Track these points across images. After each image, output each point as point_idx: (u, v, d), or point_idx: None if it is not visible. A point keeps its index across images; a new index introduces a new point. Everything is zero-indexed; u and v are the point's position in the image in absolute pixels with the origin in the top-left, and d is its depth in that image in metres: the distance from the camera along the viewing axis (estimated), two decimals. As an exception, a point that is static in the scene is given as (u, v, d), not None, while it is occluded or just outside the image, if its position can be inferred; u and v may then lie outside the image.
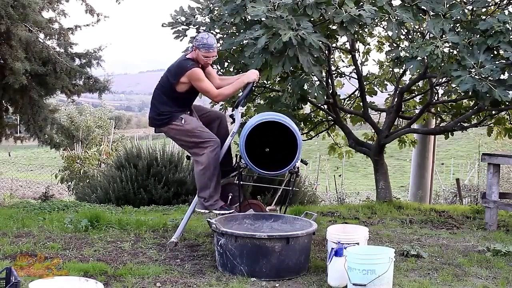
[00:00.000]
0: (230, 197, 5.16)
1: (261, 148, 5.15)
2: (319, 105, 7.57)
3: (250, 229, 4.68)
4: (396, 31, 6.00)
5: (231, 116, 5.14)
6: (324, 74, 6.96)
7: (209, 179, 4.82)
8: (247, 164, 4.84)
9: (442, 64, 5.95)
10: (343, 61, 8.45)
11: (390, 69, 8.37)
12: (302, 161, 5.11)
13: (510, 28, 5.72)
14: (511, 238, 5.72)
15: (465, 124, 7.42)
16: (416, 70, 6.25)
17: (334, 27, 6.20)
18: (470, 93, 5.87)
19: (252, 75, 4.99)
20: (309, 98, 6.50)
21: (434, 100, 7.82)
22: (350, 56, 7.80)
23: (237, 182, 5.10)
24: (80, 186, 10.90)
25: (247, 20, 6.12)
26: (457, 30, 6.14)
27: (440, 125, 8.26)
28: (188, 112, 4.96)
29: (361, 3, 5.79)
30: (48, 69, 9.54)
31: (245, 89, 5.00)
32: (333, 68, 7.82)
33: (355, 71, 7.79)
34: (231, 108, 5.50)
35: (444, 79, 7.34)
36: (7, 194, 13.50)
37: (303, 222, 4.63)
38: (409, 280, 4.18)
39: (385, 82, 8.47)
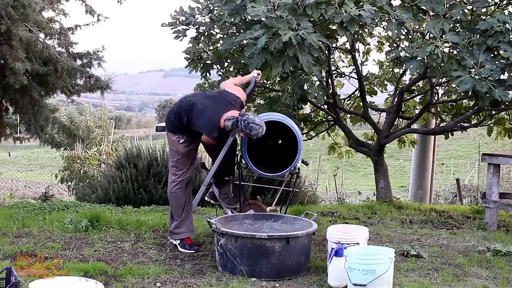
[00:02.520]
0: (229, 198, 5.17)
1: (262, 149, 5.14)
2: (319, 105, 7.57)
3: (250, 229, 4.68)
4: (396, 31, 6.00)
5: None
6: (324, 74, 6.96)
7: (172, 205, 5.01)
8: (247, 164, 4.84)
9: (442, 64, 5.95)
10: (343, 61, 8.45)
11: (390, 69, 8.37)
12: (303, 161, 5.11)
13: (510, 28, 5.72)
14: (511, 238, 5.72)
15: (465, 124, 7.42)
16: (416, 70, 6.25)
17: (334, 27, 6.20)
18: (470, 93, 5.87)
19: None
20: (309, 98, 6.50)
21: (434, 100, 7.82)
22: (350, 56, 7.80)
23: (238, 182, 5.11)
24: (80, 186, 10.90)
25: (247, 20, 6.12)
26: (457, 30, 6.15)
27: (440, 125, 8.26)
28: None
29: (361, 3, 5.79)
30: (49, 69, 9.53)
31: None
32: (333, 68, 7.82)
33: (355, 71, 7.79)
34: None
35: (444, 79, 7.35)
36: (7, 194, 13.50)
37: (303, 222, 4.63)
38: (409, 280, 4.18)
39: (385, 82, 8.47)
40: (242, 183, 5.13)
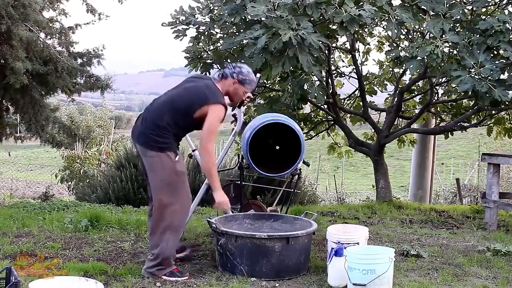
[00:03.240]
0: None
1: (263, 149, 5.12)
2: (319, 105, 7.57)
3: (250, 229, 4.67)
4: (396, 31, 6.00)
5: (233, 115, 5.13)
6: (324, 74, 6.96)
7: (162, 234, 4.00)
8: (249, 165, 4.80)
9: (442, 64, 5.95)
10: (343, 61, 8.46)
11: (390, 69, 8.37)
12: (304, 162, 5.08)
13: (510, 28, 5.72)
14: (511, 238, 5.72)
15: (465, 124, 7.42)
16: (416, 70, 6.25)
17: (334, 27, 6.20)
18: (470, 93, 5.87)
19: (222, 203, 4.14)
20: (309, 98, 6.50)
21: (434, 100, 7.83)
22: (350, 56, 7.81)
23: (239, 182, 5.10)
24: (80, 186, 10.90)
25: (247, 20, 6.12)
26: (457, 30, 6.15)
27: (440, 125, 8.26)
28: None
29: (361, 3, 5.79)
30: (49, 68, 9.55)
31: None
32: (333, 68, 7.82)
33: (355, 71, 7.80)
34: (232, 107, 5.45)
35: (444, 79, 7.35)
36: (7, 194, 13.51)
37: (303, 222, 4.62)
38: (409, 280, 4.18)
39: (385, 82, 8.48)
40: (243, 183, 5.12)
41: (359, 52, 8.09)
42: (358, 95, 8.16)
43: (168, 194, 3.94)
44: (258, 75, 5.39)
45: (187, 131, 4.18)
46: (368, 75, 8.46)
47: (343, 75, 8.27)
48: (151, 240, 4.11)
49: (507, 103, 6.11)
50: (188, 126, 4.06)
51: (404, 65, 6.57)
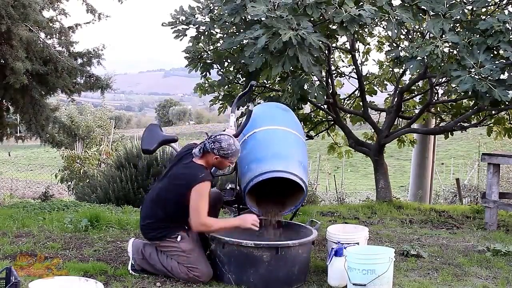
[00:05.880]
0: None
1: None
2: (319, 105, 7.57)
3: (254, 235, 4.35)
4: (396, 31, 6.00)
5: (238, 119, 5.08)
6: (324, 74, 6.96)
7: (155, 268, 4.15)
8: (250, 208, 4.45)
9: (442, 64, 5.95)
10: (343, 61, 8.45)
11: (390, 69, 8.37)
12: (307, 135, 4.78)
13: (510, 28, 5.72)
14: (511, 238, 5.73)
15: (465, 124, 7.42)
16: (416, 70, 6.25)
17: (334, 27, 6.20)
18: (469, 93, 5.87)
19: (247, 222, 4.09)
20: (309, 98, 6.50)
21: (434, 100, 7.83)
22: (350, 56, 7.80)
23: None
24: (80, 186, 10.90)
25: (247, 19, 6.12)
26: (457, 30, 6.14)
27: (440, 125, 8.26)
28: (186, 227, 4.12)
29: (361, 3, 5.79)
30: (49, 68, 9.55)
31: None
32: (333, 68, 7.82)
33: (355, 71, 7.79)
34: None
35: (444, 79, 7.35)
36: (7, 194, 13.53)
37: (309, 231, 4.34)
38: (409, 280, 4.18)
39: (385, 82, 8.47)
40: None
41: (359, 52, 8.09)
42: (358, 95, 8.16)
43: (186, 271, 4.03)
44: (253, 82, 5.27)
45: (186, 215, 4.06)
46: (368, 75, 8.45)
47: (343, 75, 8.27)
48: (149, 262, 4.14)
49: (507, 103, 6.10)
50: (185, 210, 4.03)
51: (404, 65, 6.56)
